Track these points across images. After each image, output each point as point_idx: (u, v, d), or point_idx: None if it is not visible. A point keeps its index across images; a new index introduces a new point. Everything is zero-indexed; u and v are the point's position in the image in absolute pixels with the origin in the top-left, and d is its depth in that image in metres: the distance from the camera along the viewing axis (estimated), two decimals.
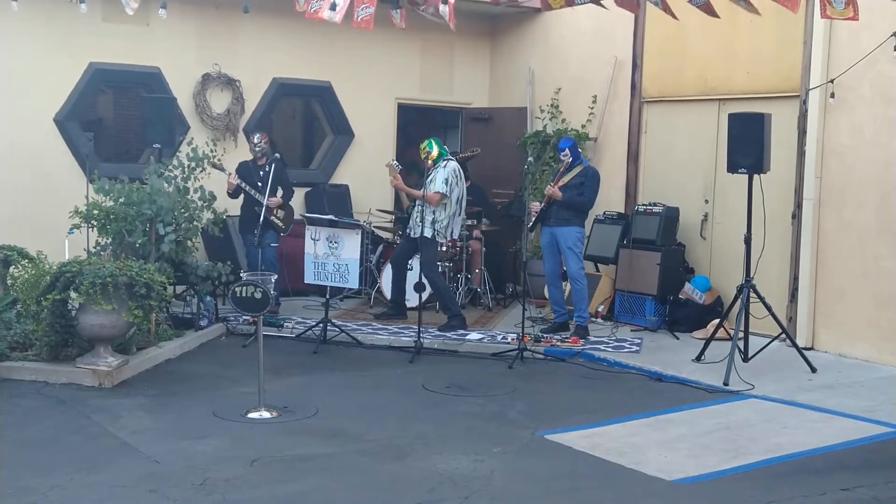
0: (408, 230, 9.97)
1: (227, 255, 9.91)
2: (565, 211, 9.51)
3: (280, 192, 9.95)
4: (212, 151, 9.54)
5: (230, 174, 9.73)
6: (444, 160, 9.75)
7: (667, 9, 7.51)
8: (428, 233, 9.57)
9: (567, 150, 9.58)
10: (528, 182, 10.67)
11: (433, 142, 9.79)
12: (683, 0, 7.39)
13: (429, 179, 9.67)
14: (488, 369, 8.45)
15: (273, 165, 9.68)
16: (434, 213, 9.60)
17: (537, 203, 9.65)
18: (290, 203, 10.16)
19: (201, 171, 9.28)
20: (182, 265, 8.97)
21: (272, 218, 9.76)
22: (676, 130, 10.59)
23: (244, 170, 9.98)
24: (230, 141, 11.32)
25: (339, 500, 5.32)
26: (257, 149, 9.96)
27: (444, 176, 9.63)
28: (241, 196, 9.90)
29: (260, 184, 9.74)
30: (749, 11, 7.20)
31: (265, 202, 9.58)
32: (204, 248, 10.54)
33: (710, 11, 7.31)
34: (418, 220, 9.62)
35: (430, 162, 9.69)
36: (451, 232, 9.90)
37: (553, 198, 9.46)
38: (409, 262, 10.17)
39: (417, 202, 9.74)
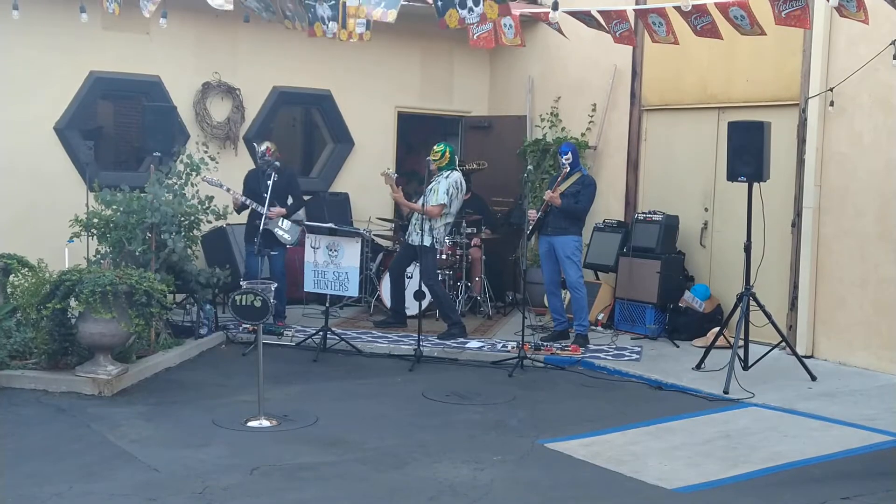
0: (406, 237, 9.95)
1: (227, 263, 9.88)
2: (562, 220, 9.51)
3: (290, 201, 9.84)
4: (207, 155, 9.48)
5: (234, 193, 9.59)
6: (450, 171, 9.72)
7: (670, 29, 7.60)
8: (427, 241, 9.57)
9: (569, 154, 9.58)
10: (527, 190, 10.68)
11: (448, 149, 9.70)
12: (684, 23, 7.51)
13: (430, 188, 9.65)
14: (488, 377, 8.44)
15: (273, 176, 9.57)
16: (432, 221, 9.58)
17: (534, 211, 9.63)
18: (300, 213, 10.00)
19: (196, 176, 9.26)
20: (182, 273, 8.97)
21: (276, 230, 9.65)
22: (676, 138, 10.60)
23: (252, 178, 9.88)
24: (230, 149, 11.34)
25: None
26: (261, 161, 9.77)
27: (446, 187, 9.60)
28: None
29: (266, 195, 9.58)
30: (757, 34, 7.32)
31: (264, 212, 9.46)
32: (203, 255, 10.54)
33: (715, 34, 7.41)
34: (418, 227, 9.62)
35: (435, 166, 9.66)
36: (445, 237, 9.91)
37: (552, 203, 9.45)
38: (409, 270, 10.17)
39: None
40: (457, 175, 9.76)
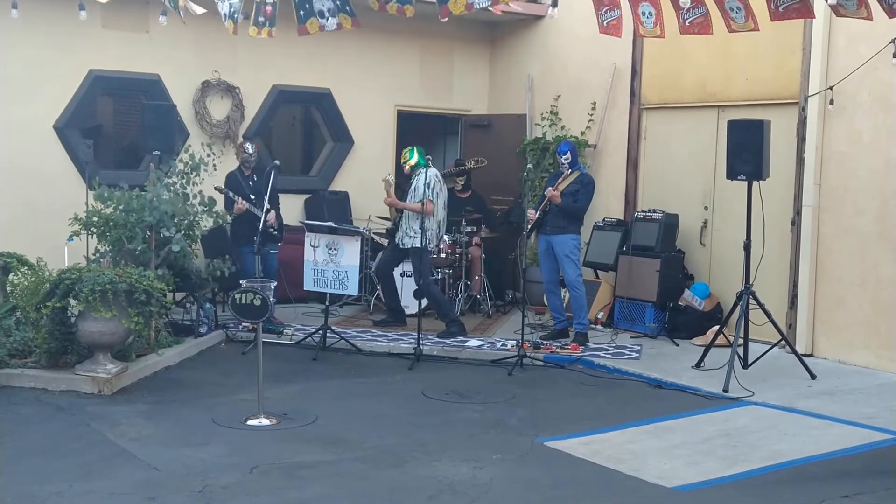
0: (397, 240, 9.94)
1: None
2: (561, 219, 9.51)
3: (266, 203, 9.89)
4: (209, 156, 9.52)
5: (241, 201, 9.61)
6: (423, 168, 9.76)
7: (658, 20, 7.52)
8: (418, 243, 9.53)
9: (568, 153, 9.59)
10: (527, 189, 10.68)
11: (414, 150, 9.87)
12: (676, 17, 7.43)
13: (411, 189, 9.71)
14: (488, 376, 8.44)
15: (273, 174, 9.58)
16: (426, 221, 9.55)
17: (533, 211, 9.62)
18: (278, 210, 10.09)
19: (196, 176, 9.26)
20: (182, 271, 8.96)
21: (269, 228, 9.70)
22: (676, 137, 10.60)
23: (233, 180, 9.88)
24: (230, 148, 11.33)
25: None
26: (252, 158, 9.88)
27: (425, 181, 9.63)
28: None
29: (253, 196, 9.66)
30: (749, 30, 7.24)
31: (263, 217, 9.43)
32: (203, 254, 10.52)
33: (705, 29, 7.33)
34: (410, 231, 9.61)
35: (407, 168, 9.80)
36: (438, 236, 9.93)
37: (552, 202, 9.45)
38: (408, 269, 10.17)
39: (403, 212, 9.75)
40: (433, 171, 9.81)
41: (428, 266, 9.82)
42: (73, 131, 10.63)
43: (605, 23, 7.84)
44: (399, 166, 12.29)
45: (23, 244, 8.90)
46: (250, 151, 9.92)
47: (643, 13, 7.62)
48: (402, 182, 10.32)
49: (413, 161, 9.79)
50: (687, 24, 7.39)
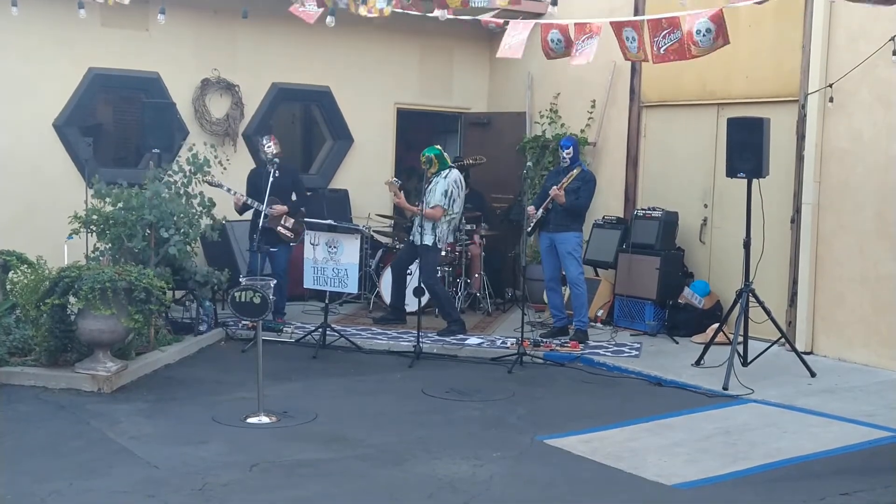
0: (411, 237, 9.95)
1: (227, 260, 9.87)
2: (564, 216, 9.51)
3: (294, 197, 9.81)
4: (215, 157, 9.49)
5: (235, 193, 9.56)
6: (447, 170, 9.74)
7: (641, 45, 7.53)
8: (429, 241, 9.56)
9: (570, 148, 9.59)
10: (527, 187, 10.68)
11: (433, 154, 9.72)
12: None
13: (429, 189, 9.66)
14: (488, 374, 8.45)
15: (272, 173, 9.54)
16: (435, 222, 9.58)
17: (532, 208, 9.61)
18: (303, 209, 9.89)
19: (204, 177, 9.24)
20: (181, 270, 8.96)
21: (279, 228, 9.66)
22: (675, 135, 10.59)
23: (255, 177, 9.79)
24: (230, 146, 11.32)
25: None
26: (270, 152, 9.61)
27: (444, 187, 9.61)
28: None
29: (271, 195, 9.47)
30: (719, 48, 7.26)
31: (264, 210, 9.44)
32: (203, 253, 10.53)
33: (682, 55, 7.37)
34: (419, 228, 9.61)
35: (429, 174, 9.69)
36: (449, 237, 9.94)
37: (556, 200, 9.44)
38: (409, 267, 10.18)
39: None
40: (455, 174, 9.78)
41: (435, 265, 9.83)
42: (73, 129, 10.62)
43: (579, 51, 7.85)
44: (398, 160, 12.35)
45: (22, 242, 8.90)
46: (265, 144, 9.75)
47: (627, 38, 7.66)
48: (410, 185, 10.22)
49: (436, 166, 9.69)
50: (662, 51, 7.42)
